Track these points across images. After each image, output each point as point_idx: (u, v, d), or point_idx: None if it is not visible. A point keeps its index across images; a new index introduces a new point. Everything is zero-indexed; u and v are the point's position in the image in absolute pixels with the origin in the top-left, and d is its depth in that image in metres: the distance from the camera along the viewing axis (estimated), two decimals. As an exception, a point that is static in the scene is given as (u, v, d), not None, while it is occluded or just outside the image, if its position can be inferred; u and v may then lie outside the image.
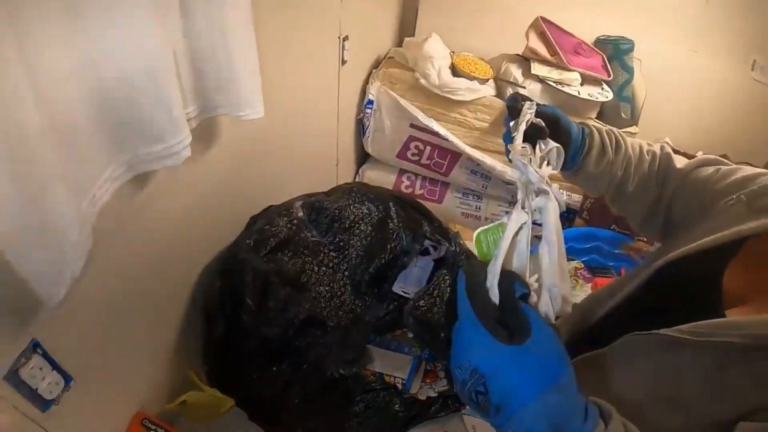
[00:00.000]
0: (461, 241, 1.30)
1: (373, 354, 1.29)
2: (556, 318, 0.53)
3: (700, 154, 1.03)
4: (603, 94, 2.16)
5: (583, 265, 2.06)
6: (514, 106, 0.81)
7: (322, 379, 1.13)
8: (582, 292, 1.93)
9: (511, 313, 0.49)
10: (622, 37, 2.28)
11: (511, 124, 0.81)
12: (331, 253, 1.22)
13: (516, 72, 2.18)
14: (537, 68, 2.15)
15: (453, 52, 2.30)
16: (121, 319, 0.96)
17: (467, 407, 1.21)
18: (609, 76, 2.20)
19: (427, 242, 1.28)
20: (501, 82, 2.23)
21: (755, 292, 0.65)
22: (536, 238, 0.56)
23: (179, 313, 1.19)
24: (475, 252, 0.59)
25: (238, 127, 1.12)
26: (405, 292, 1.27)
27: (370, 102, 2.18)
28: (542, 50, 2.17)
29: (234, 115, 1.01)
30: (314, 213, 1.28)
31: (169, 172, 0.87)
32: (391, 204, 1.28)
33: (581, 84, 2.17)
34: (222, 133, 1.16)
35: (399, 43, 2.51)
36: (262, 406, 1.16)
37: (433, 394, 1.25)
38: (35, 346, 0.75)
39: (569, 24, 2.29)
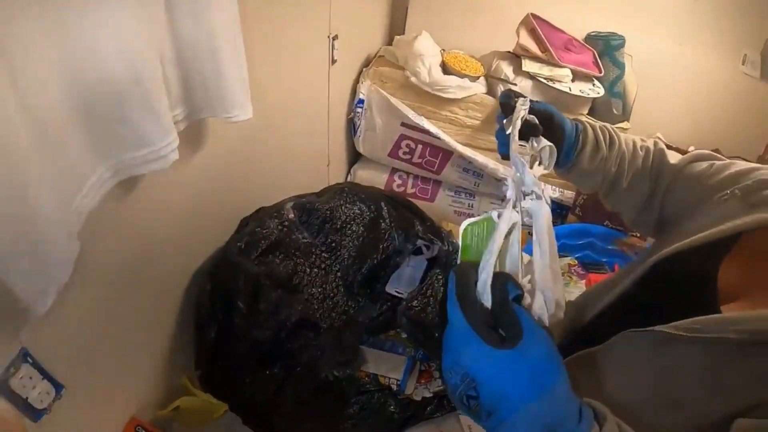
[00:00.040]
0: (454, 240, 1.30)
1: (367, 355, 1.28)
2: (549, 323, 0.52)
3: (692, 149, 1.03)
4: (594, 90, 2.16)
5: (576, 262, 2.06)
6: (508, 103, 0.81)
7: (315, 382, 1.13)
8: (576, 289, 1.93)
9: (503, 315, 0.48)
10: (613, 33, 2.28)
11: (505, 121, 0.80)
12: (323, 255, 1.21)
13: (507, 69, 2.18)
14: (528, 65, 2.15)
15: (443, 49, 2.29)
16: (111, 325, 0.95)
17: (462, 408, 1.20)
18: (600, 72, 2.20)
19: (419, 242, 1.27)
20: (492, 79, 2.23)
21: (750, 287, 0.64)
22: (528, 235, 0.55)
23: (170, 317, 1.18)
24: (459, 243, 0.58)
25: (227, 128, 1.11)
26: (398, 292, 1.26)
27: (361, 101, 2.17)
28: (533, 47, 2.17)
29: (222, 117, 1.00)
30: (305, 214, 1.27)
31: (157, 175, 0.86)
32: (382, 204, 1.27)
33: (572, 80, 2.17)
34: (211, 135, 1.14)
35: (389, 42, 2.50)
36: (255, 410, 1.15)
37: (428, 395, 1.24)
38: (25, 356, 0.74)
39: (560, 20, 2.29)
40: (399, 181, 2.37)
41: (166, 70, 0.85)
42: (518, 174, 0.61)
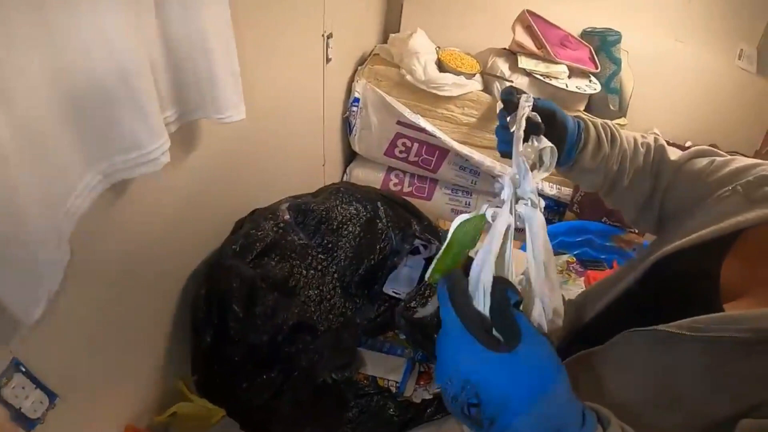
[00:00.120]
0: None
1: (365, 357, 1.27)
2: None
3: (689, 144, 1.02)
4: (591, 86, 2.16)
5: (575, 259, 2.06)
6: (510, 100, 0.78)
7: (313, 385, 1.12)
8: (575, 286, 1.93)
9: (500, 319, 0.47)
10: (609, 28, 2.28)
11: (509, 119, 0.78)
12: (320, 256, 1.20)
13: (503, 66, 2.17)
14: (524, 62, 2.14)
15: (439, 47, 2.29)
16: (105, 332, 0.94)
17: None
18: (596, 68, 2.20)
19: (417, 241, 1.27)
20: (488, 76, 2.22)
21: (754, 284, 0.64)
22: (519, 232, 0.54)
23: (165, 322, 1.17)
24: (449, 236, 0.57)
25: (220, 129, 1.09)
26: (396, 293, 1.25)
27: (356, 100, 2.16)
28: (529, 43, 2.16)
29: (215, 118, 0.99)
30: (301, 215, 1.26)
31: (149, 178, 0.84)
32: (379, 203, 1.26)
33: (569, 76, 2.17)
34: (203, 136, 1.13)
35: (384, 40, 2.49)
36: (253, 415, 1.14)
37: (428, 397, 1.23)
38: (17, 365, 0.73)
39: (556, 17, 2.29)
40: (395, 180, 2.37)
41: (157, 71, 0.83)
42: (518, 176, 0.60)
